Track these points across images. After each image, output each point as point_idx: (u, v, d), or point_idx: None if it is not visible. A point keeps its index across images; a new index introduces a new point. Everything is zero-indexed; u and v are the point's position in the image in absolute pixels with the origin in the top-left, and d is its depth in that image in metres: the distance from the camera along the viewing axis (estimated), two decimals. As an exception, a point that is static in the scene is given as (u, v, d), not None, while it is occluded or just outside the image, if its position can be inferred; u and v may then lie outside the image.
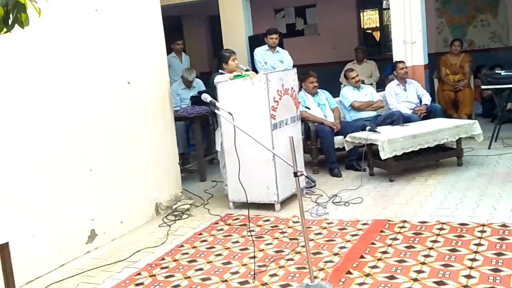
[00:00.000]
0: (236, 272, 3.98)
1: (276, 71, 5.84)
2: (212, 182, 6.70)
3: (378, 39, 12.53)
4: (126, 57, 5.30)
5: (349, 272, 3.75)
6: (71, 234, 4.57)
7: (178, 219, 5.44)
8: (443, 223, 4.52)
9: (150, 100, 5.61)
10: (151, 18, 5.69)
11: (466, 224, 4.45)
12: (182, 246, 4.67)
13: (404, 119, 6.83)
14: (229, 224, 5.13)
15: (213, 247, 4.56)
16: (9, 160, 4.09)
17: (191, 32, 13.20)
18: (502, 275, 3.47)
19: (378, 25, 12.47)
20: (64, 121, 4.57)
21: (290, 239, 4.57)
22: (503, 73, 7.14)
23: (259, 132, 4.95)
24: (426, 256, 3.91)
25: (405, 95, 7.38)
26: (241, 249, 4.44)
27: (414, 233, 4.38)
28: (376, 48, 12.33)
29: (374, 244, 4.24)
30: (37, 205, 4.29)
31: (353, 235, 4.49)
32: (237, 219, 5.26)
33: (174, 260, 4.34)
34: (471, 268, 3.63)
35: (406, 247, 4.12)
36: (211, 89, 5.55)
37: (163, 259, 4.40)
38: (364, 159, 6.26)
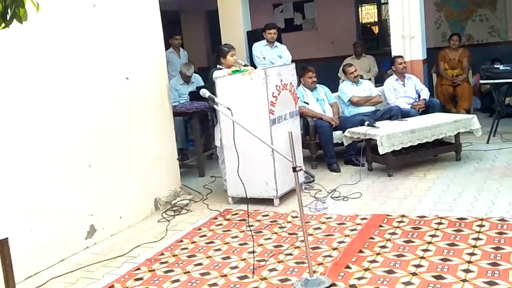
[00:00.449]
0: (235, 267, 3.99)
1: (275, 66, 5.84)
2: (211, 177, 6.70)
3: (376, 34, 12.52)
4: (125, 52, 5.29)
5: (348, 267, 3.76)
6: (70, 229, 4.58)
7: (177, 214, 5.44)
8: (441, 218, 4.53)
9: (149, 96, 5.61)
10: (149, 13, 5.67)
11: (465, 219, 4.46)
12: (181, 241, 4.68)
13: (403, 114, 6.83)
14: (228, 219, 5.13)
15: (212, 242, 4.56)
16: (8, 155, 4.09)
17: (189, 27, 13.17)
18: (501, 269, 3.48)
19: (376, 19, 12.46)
20: (63, 116, 4.57)
21: (289, 234, 4.58)
22: (501, 67, 7.15)
23: (258, 128, 4.95)
24: (425, 250, 3.92)
25: (404, 90, 7.38)
26: (240, 244, 4.45)
27: (412, 228, 4.39)
28: (375, 43, 12.33)
29: (373, 238, 4.25)
30: (37, 201, 4.29)
31: (352, 230, 4.50)
32: (236, 214, 5.27)
33: (173, 255, 4.35)
34: (469, 262, 3.64)
35: (404, 241, 4.13)
36: (210, 85, 5.55)
37: (162, 254, 4.41)
38: (363, 154, 6.26)
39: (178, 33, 9.20)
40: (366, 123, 6.29)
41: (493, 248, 3.84)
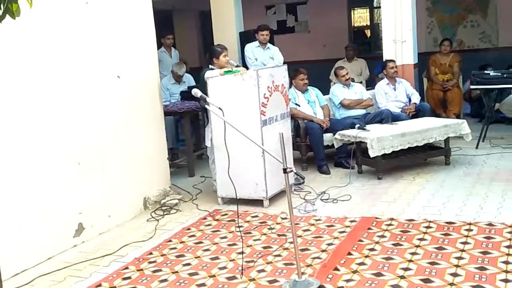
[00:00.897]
0: (224, 268, 3.98)
1: (267, 67, 5.84)
2: (201, 177, 6.69)
3: (368, 37, 12.56)
4: (116, 50, 5.27)
5: (336, 269, 3.77)
6: (58, 227, 4.56)
7: (166, 214, 5.43)
8: (430, 222, 4.55)
9: (140, 94, 5.59)
10: (142, 11, 5.66)
11: (453, 223, 4.48)
12: (170, 241, 4.67)
13: (393, 118, 6.86)
14: (217, 220, 5.13)
15: (201, 242, 4.56)
16: (-4, 152, 4.07)
17: (182, 26, 13.14)
18: (488, 274, 3.51)
19: (368, 23, 12.51)
20: (53, 114, 4.54)
21: (278, 235, 4.58)
22: (492, 73, 7.19)
23: (249, 128, 4.95)
24: (413, 253, 3.93)
25: (395, 95, 7.41)
26: (229, 245, 4.45)
27: (401, 231, 4.41)
28: (367, 46, 12.37)
29: (361, 241, 4.27)
30: (25, 198, 4.27)
31: (340, 232, 4.51)
32: (226, 214, 5.26)
33: (161, 255, 4.34)
34: (457, 266, 3.66)
35: (393, 244, 4.15)
36: (201, 85, 5.54)
37: (150, 253, 4.40)
38: (353, 156, 6.29)
39: (170, 33, 9.18)
40: (357, 126, 6.31)
41: (480, 252, 3.86)
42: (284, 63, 7.21)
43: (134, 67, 5.52)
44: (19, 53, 4.26)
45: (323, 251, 4.14)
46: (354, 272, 3.71)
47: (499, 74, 7.07)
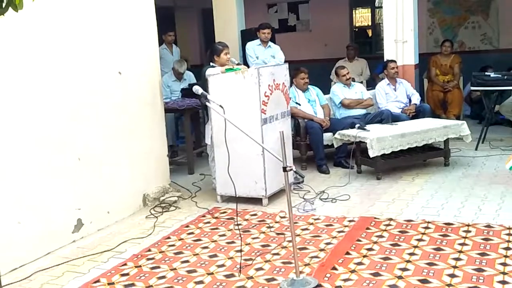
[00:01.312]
0: (222, 265, 3.99)
1: (268, 66, 5.83)
2: (200, 175, 6.69)
3: (369, 37, 12.55)
4: (118, 46, 5.27)
5: (334, 268, 3.78)
6: (57, 222, 4.56)
7: (165, 211, 5.43)
8: (428, 222, 4.56)
9: (141, 91, 5.59)
10: (144, 8, 5.65)
11: (451, 224, 4.49)
12: (168, 238, 4.67)
13: (393, 118, 6.86)
14: (216, 217, 5.13)
15: (199, 240, 4.56)
16: (-4, 146, 4.07)
17: (183, 24, 13.12)
18: (485, 275, 3.51)
19: (370, 23, 12.50)
20: (54, 109, 4.54)
21: (277, 233, 4.59)
22: (492, 75, 7.20)
23: (249, 127, 4.94)
24: (411, 254, 3.94)
25: (395, 95, 7.41)
26: (228, 243, 4.45)
27: (399, 231, 4.42)
28: (368, 46, 12.37)
29: (360, 241, 4.27)
30: (24, 193, 4.27)
31: (339, 232, 4.52)
32: (224, 212, 5.27)
33: (160, 252, 4.34)
34: (455, 267, 3.67)
35: (391, 244, 4.15)
36: (202, 82, 5.54)
37: (149, 250, 4.40)
38: (353, 156, 6.29)
39: (171, 30, 9.17)
40: (357, 125, 6.31)
41: (478, 253, 3.87)
42: (285, 62, 7.21)
43: (136, 63, 5.52)
44: (20, 48, 4.26)
45: (321, 250, 4.14)
46: (352, 271, 3.71)
47: (500, 76, 7.08)
